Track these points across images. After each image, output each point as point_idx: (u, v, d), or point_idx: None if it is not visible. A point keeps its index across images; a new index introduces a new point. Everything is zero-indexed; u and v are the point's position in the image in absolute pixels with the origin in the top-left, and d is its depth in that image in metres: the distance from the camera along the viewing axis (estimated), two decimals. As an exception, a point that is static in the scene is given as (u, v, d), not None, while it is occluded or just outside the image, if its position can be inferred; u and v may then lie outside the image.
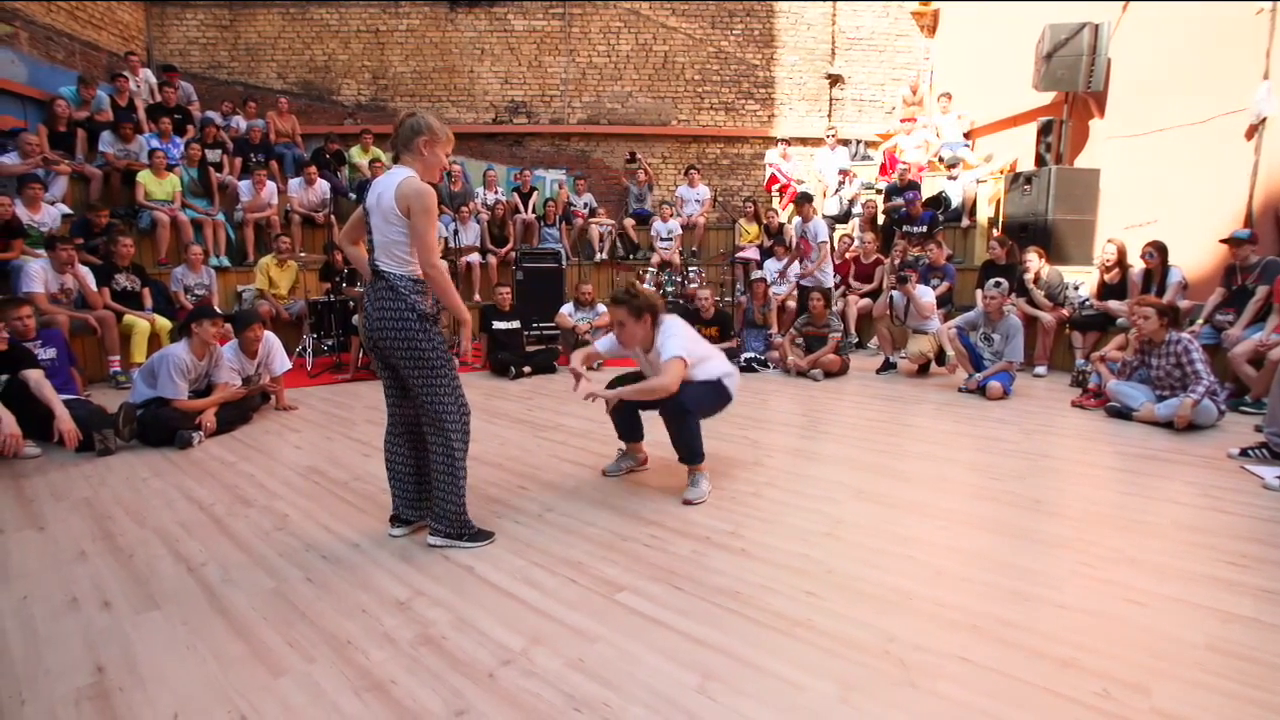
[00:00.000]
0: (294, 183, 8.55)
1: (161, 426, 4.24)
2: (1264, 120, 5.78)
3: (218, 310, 4.74)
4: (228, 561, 2.64)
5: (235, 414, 4.69)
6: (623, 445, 3.65)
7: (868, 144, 11.06)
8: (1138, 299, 5.16)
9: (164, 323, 6.24)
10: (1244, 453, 3.81)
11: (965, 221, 8.75)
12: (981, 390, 5.42)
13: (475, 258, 8.70)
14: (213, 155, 8.31)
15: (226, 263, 7.82)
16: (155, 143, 7.86)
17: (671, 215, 9.32)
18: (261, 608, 2.29)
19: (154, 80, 8.95)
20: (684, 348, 3.17)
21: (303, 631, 2.14)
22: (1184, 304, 5.67)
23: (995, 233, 7.94)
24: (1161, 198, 6.74)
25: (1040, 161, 7.78)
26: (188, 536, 2.89)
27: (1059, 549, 2.69)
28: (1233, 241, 5.29)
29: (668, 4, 10.70)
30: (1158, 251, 5.71)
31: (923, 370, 6.42)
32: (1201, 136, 6.37)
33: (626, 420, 3.51)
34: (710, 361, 3.33)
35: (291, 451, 4.19)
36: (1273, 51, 5.73)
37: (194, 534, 2.91)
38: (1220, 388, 4.51)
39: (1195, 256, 6.10)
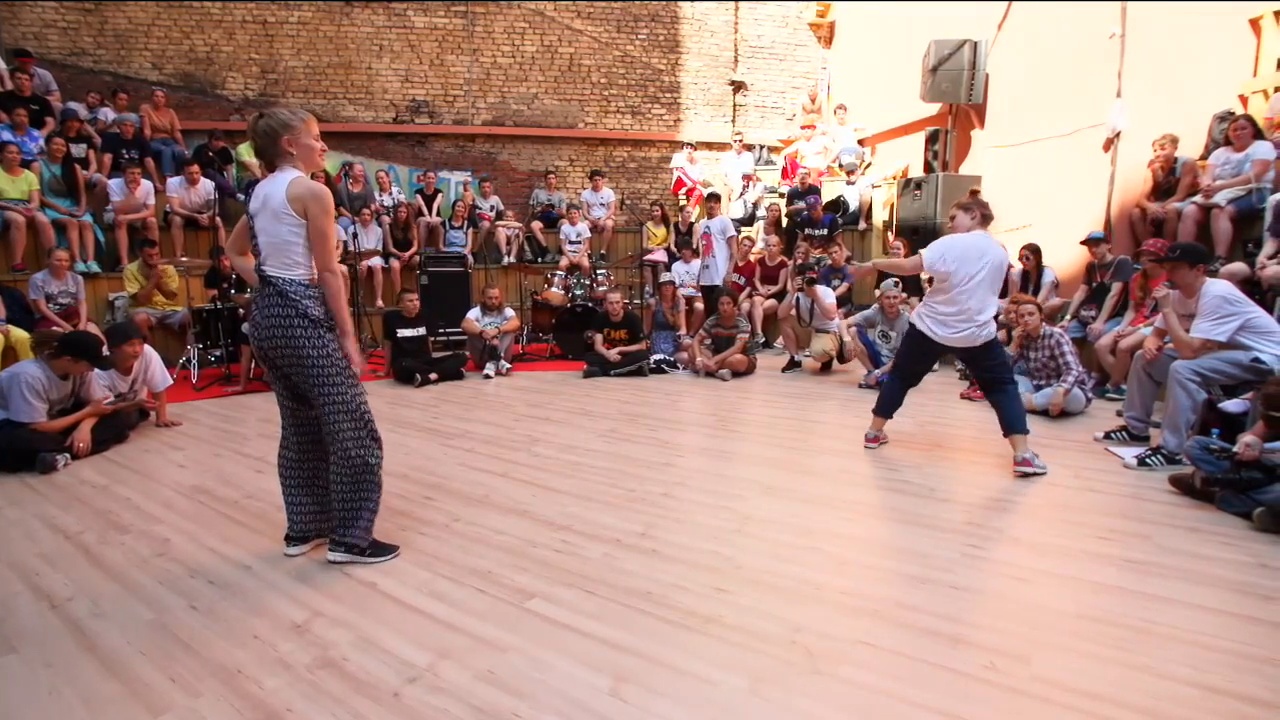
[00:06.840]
0: (173, 182, 7.94)
1: (19, 449, 3.82)
2: (1118, 134, 6.38)
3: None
4: (98, 594, 2.41)
5: (109, 432, 4.30)
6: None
7: (770, 149, 11.42)
8: (1014, 297, 5.56)
9: (20, 334, 5.65)
10: (1107, 435, 4.18)
11: (862, 224, 9.18)
12: (880, 385, 5.67)
13: (377, 261, 8.37)
14: (78, 150, 7.60)
15: (96, 268, 7.17)
16: (7, 135, 7.10)
17: (580, 218, 9.29)
18: (138, 642, 2.11)
19: (4, 66, 8.10)
20: None
21: (186, 664, 1.98)
22: (1055, 301, 6.17)
23: (890, 236, 8.37)
24: (1035, 203, 7.30)
25: (929, 168, 8.27)
26: (51, 569, 2.62)
27: (951, 533, 2.85)
28: (1090, 242, 5.83)
29: (573, 5, 10.65)
30: (1033, 253, 6.20)
31: (825, 368, 6.68)
32: (1067, 148, 6.95)
33: None
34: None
35: (174, 471, 3.88)
36: (1124, 73, 6.34)
37: (58, 566, 2.65)
38: (1088, 377, 4.93)
39: (1065, 257, 6.63)
